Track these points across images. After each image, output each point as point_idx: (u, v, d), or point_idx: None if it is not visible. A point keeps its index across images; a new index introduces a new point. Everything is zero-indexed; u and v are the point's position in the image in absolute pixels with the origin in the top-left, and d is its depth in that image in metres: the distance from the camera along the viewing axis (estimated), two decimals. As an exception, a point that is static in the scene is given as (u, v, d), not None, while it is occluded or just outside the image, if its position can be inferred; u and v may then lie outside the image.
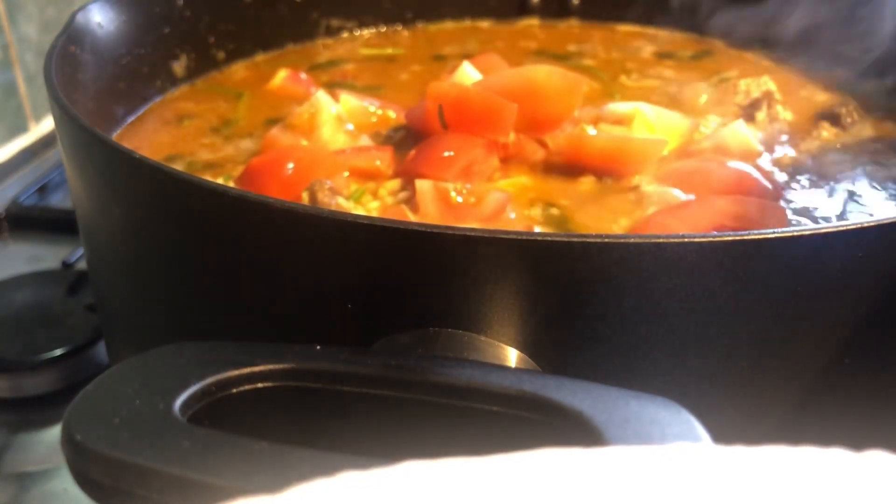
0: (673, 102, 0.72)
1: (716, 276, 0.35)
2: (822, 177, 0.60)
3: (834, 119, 0.68)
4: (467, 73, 0.69)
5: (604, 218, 0.54)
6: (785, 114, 0.68)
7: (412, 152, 0.60)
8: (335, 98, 0.68)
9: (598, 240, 0.34)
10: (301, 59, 0.85)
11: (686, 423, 0.30)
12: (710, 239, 0.34)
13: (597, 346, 0.36)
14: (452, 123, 0.60)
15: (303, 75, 0.79)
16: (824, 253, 0.35)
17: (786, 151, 0.63)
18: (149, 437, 0.29)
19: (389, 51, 0.81)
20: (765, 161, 0.61)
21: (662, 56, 0.76)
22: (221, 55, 0.82)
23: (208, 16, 0.80)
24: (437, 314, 0.36)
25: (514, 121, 0.59)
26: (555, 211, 0.55)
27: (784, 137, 0.66)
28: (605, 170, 0.58)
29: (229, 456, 0.28)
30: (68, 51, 0.60)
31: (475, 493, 0.20)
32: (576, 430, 0.30)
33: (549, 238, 0.34)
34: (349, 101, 0.69)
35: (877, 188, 0.59)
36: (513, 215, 0.55)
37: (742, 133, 0.62)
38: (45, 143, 1.08)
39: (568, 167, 0.59)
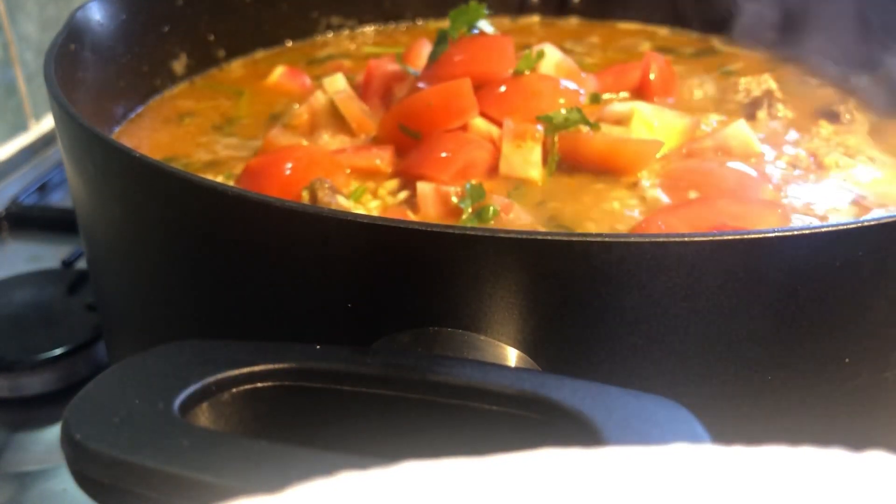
0: (673, 101, 0.72)
1: (716, 276, 0.35)
2: (822, 175, 0.60)
3: (833, 116, 0.68)
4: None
5: (604, 217, 0.54)
6: (785, 112, 0.68)
7: (411, 153, 0.60)
8: (325, 85, 0.67)
9: (598, 240, 0.34)
10: (301, 56, 0.85)
11: (686, 422, 0.30)
12: (710, 239, 0.34)
13: (597, 346, 0.36)
14: (422, 129, 0.60)
15: (300, 73, 0.79)
16: (824, 252, 0.35)
17: (786, 150, 0.63)
18: (148, 436, 0.29)
19: (393, 49, 0.81)
20: (765, 160, 0.61)
21: (662, 53, 0.76)
22: (221, 53, 0.82)
23: (208, 14, 0.80)
24: (437, 313, 0.36)
25: (472, 95, 0.59)
26: (554, 210, 0.55)
27: (785, 136, 0.66)
28: (603, 169, 0.58)
29: (229, 455, 0.28)
30: (68, 49, 0.60)
31: (475, 493, 0.20)
32: (575, 429, 0.30)
33: (549, 238, 0.34)
34: (341, 87, 0.68)
35: (877, 186, 0.59)
36: (524, 220, 0.54)
37: (743, 132, 0.61)
38: (46, 141, 1.08)
39: (567, 166, 0.59)
